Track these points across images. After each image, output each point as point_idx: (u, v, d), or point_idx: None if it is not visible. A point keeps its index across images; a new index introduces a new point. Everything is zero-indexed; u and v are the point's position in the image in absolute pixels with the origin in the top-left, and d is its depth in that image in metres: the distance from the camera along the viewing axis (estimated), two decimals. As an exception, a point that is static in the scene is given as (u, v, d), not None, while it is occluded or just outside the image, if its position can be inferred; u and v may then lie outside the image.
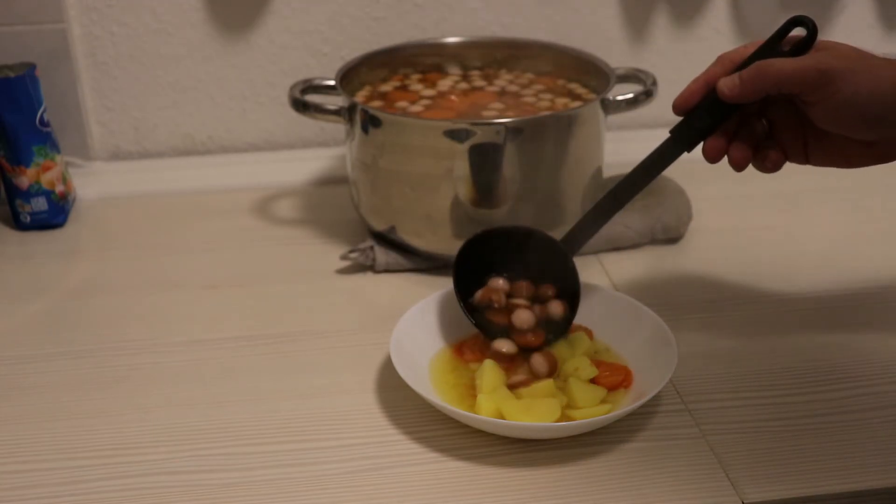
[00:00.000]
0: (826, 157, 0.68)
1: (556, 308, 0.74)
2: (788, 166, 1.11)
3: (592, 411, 0.67)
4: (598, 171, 0.90)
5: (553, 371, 0.71)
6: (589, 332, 0.75)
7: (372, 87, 0.95)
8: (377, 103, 0.91)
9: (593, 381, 0.70)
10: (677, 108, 0.68)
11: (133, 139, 1.10)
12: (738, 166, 0.67)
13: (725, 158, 0.67)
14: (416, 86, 0.95)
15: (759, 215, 0.97)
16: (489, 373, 0.69)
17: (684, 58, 1.15)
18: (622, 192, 0.72)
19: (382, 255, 0.87)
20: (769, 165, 0.68)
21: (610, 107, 0.87)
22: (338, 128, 1.06)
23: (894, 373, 0.74)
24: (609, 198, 0.72)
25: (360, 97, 0.92)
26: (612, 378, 0.70)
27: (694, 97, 0.67)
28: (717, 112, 0.66)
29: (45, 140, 0.95)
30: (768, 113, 0.68)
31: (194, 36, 1.06)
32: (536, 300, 0.75)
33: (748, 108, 0.67)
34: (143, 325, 0.81)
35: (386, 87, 0.95)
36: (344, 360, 0.76)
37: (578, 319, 0.75)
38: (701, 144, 0.68)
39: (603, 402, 0.68)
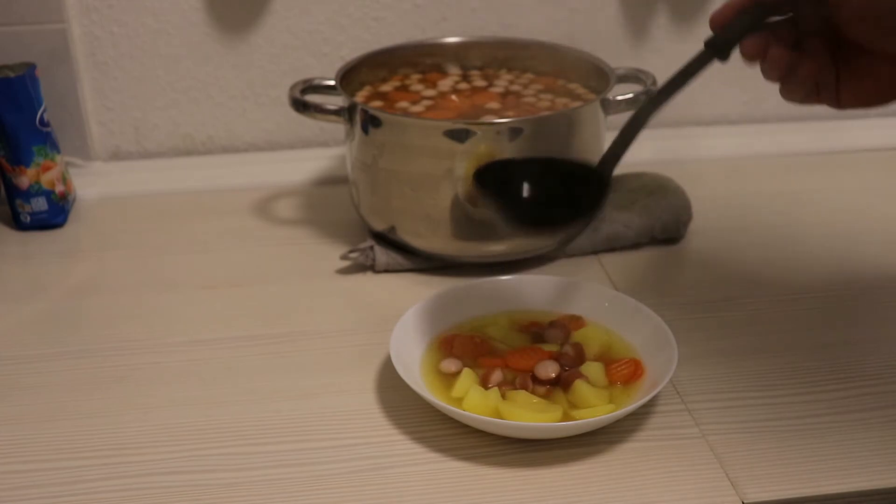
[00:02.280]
0: (858, 93, 0.67)
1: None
2: (792, 163, 1.11)
3: (592, 411, 0.67)
4: (598, 171, 0.89)
5: (582, 360, 0.71)
6: (580, 321, 0.76)
7: (372, 87, 0.95)
8: (377, 103, 0.91)
9: (607, 376, 0.71)
10: (714, 23, 0.67)
11: (133, 139, 1.10)
12: (777, 68, 0.66)
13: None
14: (416, 86, 0.95)
15: (759, 215, 0.97)
16: (465, 380, 0.70)
17: (684, 58, 1.14)
18: (652, 103, 0.69)
19: (382, 255, 0.87)
20: (800, 79, 0.66)
21: (610, 107, 0.87)
22: (338, 128, 1.06)
23: (894, 373, 0.74)
24: (636, 116, 0.69)
25: (360, 97, 0.92)
26: (626, 371, 0.71)
27: (733, 10, 0.66)
28: (755, 15, 0.65)
29: (45, 140, 0.95)
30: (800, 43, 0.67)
31: (194, 36, 1.06)
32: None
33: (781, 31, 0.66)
34: (143, 325, 0.81)
35: (386, 87, 0.95)
36: (344, 360, 0.76)
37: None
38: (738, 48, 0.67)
39: (604, 401, 0.68)
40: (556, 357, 0.71)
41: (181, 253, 0.92)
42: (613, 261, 0.90)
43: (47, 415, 0.71)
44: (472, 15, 1.09)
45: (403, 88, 0.94)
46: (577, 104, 0.89)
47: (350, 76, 0.91)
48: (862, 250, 0.92)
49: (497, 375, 0.70)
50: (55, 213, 0.96)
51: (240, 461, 0.66)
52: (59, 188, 0.96)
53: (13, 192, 0.96)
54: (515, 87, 0.94)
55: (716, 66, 1.22)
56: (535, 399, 0.68)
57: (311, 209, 1.00)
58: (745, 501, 0.62)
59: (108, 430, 0.69)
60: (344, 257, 0.87)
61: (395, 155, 0.83)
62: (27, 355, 0.77)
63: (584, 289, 0.79)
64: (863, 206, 1.00)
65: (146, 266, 0.90)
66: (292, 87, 0.89)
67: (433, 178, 0.83)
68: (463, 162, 0.81)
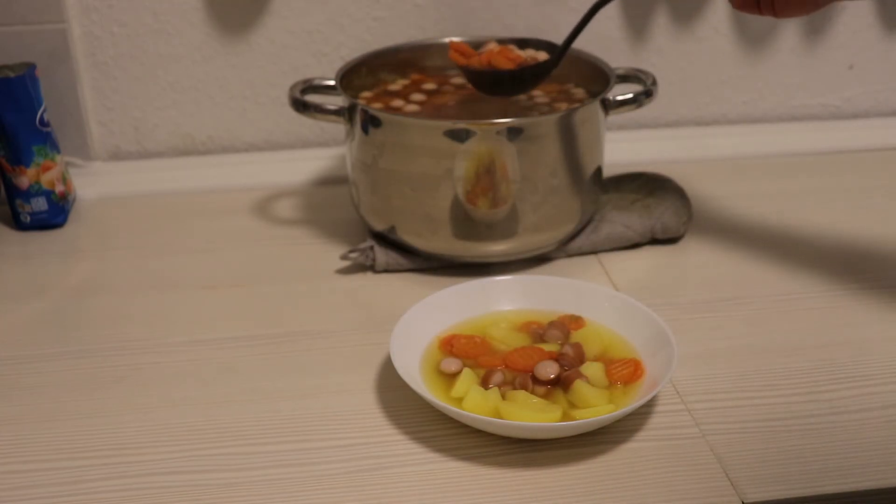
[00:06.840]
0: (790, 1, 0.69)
1: None
2: (792, 163, 1.11)
3: (592, 411, 0.67)
4: (598, 171, 0.90)
5: (582, 360, 0.71)
6: (580, 321, 0.76)
7: (373, 87, 0.95)
8: (377, 103, 0.91)
9: (607, 376, 0.70)
10: None
11: (133, 139, 1.10)
12: None
13: None
14: (414, 86, 0.95)
15: (759, 215, 0.97)
16: (465, 380, 0.70)
17: (684, 58, 1.15)
18: None
19: (382, 255, 0.87)
20: None
21: (610, 107, 0.87)
22: (338, 128, 1.06)
23: (894, 373, 0.74)
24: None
25: (360, 97, 0.92)
26: (626, 371, 0.71)
27: None
28: None
29: (45, 140, 0.95)
30: None
31: (194, 36, 1.06)
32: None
33: None
34: (143, 325, 0.81)
35: (387, 88, 0.95)
36: (344, 360, 0.76)
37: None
38: None
39: (604, 401, 0.68)
40: (556, 357, 0.71)
41: (181, 253, 0.92)
42: (613, 261, 0.90)
43: (47, 415, 0.71)
44: (472, 15, 1.09)
45: (404, 88, 0.94)
46: (576, 104, 0.89)
47: (350, 76, 0.91)
48: (862, 250, 0.91)
49: (497, 375, 0.70)
50: (55, 213, 0.96)
51: (239, 461, 0.66)
52: (59, 188, 0.96)
53: (13, 192, 0.96)
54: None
55: (715, 65, 1.22)
56: (535, 399, 0.68)
57: (311, 209, 1.00)
58: (745, 501, 0.62)
59: (108, 430, 0.69)
60: (344, 257, 0.87)
61: (395, 155, 0.83)
62: (27, 355, 0.77)
63: (584, 289, 0.79)
64: (863, 205, 1.00)
65: (146, 266, 0.90)
66: (292, 87, 0.89)
67: (433, 178, 0.83)
68: (463, 162, 0.81)
